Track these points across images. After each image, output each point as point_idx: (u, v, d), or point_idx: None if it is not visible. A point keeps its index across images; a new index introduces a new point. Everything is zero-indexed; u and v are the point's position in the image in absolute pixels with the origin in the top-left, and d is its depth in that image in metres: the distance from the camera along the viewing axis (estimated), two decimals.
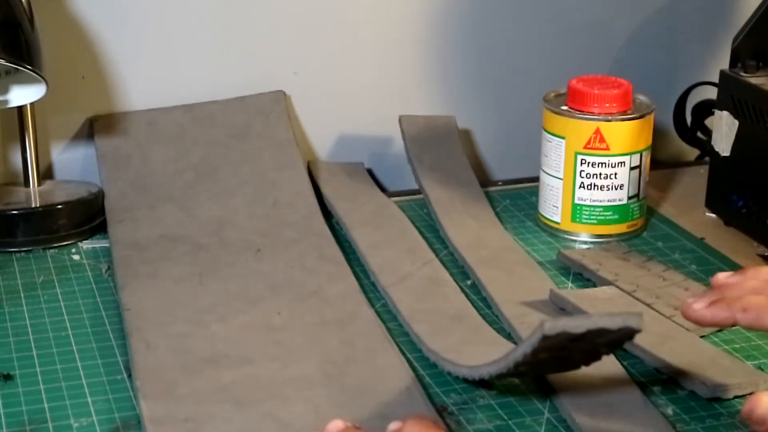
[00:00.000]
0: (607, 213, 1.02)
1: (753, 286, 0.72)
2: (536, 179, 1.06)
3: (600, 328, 0.66)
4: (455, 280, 0.93)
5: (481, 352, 0.79)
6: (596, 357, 0.73)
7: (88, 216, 1.03)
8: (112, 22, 1.08)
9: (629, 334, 0.67)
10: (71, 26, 1.07)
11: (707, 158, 1.13)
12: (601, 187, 1.01)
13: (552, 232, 1.04)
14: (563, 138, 1.01)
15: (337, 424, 0.65)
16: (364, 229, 1.01)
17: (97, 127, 1.09)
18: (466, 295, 0.91)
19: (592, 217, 1.02)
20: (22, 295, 0.92)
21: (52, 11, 1.05)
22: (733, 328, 0.86)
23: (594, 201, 1.01)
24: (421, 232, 1.02)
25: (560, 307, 0.88)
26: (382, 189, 1.13)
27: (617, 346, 0.72)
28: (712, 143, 1.05)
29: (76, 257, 0.98)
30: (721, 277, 0.74)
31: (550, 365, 0.74)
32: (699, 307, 0.71)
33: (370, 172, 1.16)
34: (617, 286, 0.91)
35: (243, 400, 0.75)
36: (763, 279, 0.73)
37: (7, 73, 0.98)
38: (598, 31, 1.21)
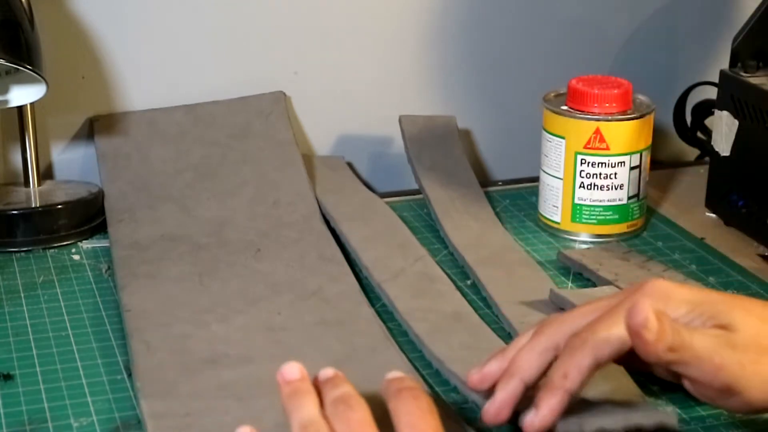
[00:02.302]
0: (607, 213, 1.02)
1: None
2: (536, 179, 1.06)
3: (636, 426, 0.67)
4: (452, 279, 0.93)
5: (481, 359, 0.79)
6: None
7: (88, 216, 1.03)
8: (112, 22, 1.08)
9: (664, 428, 0.68)
10: (71, 26, 1.07)
11: (707, 158, 1.13)
12: (601, 187, 1.01)
13: (552, 232, 1.04)
14: (563, 138, 1.01)
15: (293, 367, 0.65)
16: (352, 223, 1.01)
17: (97, 127, 1.09)
18: (464, 294, 0.91)
19: (592, 217, 1.02)
20: (22, 295, 0.92)
21: (52, 11, 1.05)
22: None
23: (594, 201, 1.01)
24: (420, 232, 1.02)
25: (560, 307, 0.88)
26: (382, 189, 1.13)
27: None
28: (712, 143, 1.05)
29: (76, 257, 0.98)
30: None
31: None
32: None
33: (367, 171, 1.16)
34: (617, 286, 0.91)
35: (244, 399, 0.75)
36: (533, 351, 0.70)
37: (7, 73, 0.98)
38: (598, 31, 1.21)
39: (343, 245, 0.98)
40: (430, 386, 0.78)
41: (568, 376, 0.67)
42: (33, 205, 1.02)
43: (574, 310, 0.72)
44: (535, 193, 1.07)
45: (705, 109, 1.20)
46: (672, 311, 0.67)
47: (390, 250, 0.97)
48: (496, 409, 0.69)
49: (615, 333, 0.67)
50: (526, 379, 0.69)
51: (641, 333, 0.64)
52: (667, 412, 0.67)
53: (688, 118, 1.22)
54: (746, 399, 0.66)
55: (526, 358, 0.70)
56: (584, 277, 0.95)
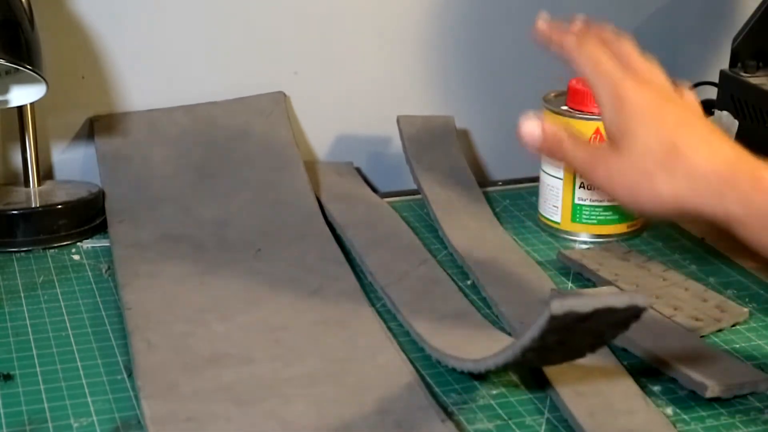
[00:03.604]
0: (607, 213, 1.02)
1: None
2: (536, 179, 1.06)
3: (607, 307, 0.65)
4: (453, 279, 0.93)
5: (484, 348, 0.79)
6: (602, 342, 0.73)
7: (88, 216, 1.03)
8: (112, 22, 1.08)
9: (636, 313, 0.67)
10: (71, 26, 1.07)
11: None
12: None
13: (552, 232, 1.04)
14: None
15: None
16: (358, 229, 1.01)
17: (97, 127, 1.09)
18: (466, 295, 0.91)
19: (592, 217, 1.02)
20: (22, 295, 0.92)
21: (52, 11, 1.05)
22: (733, 327, 0.86)
23: (594, 201, 1.02)
24: (420, 232, 1.02)
25: None
26: (375, 189, 1.13)
27: (624, 327, 0.71)
28: None
29: (76, 257, 0.98)
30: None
31: (557, 352, 0.74)
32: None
33: (361, 171, 1.16)
34: (617, 286, 0.91)
35: (244, 399, 0.75)
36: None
37: (7, 73, 0.98)
38: None
39: (348, 251, 0.98)
40: (430, 386, 0.78)
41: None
42: (33, 205, 1.02)
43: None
44: (535, 193, 1.07)
45: (705, 109, 1.19)
46: (602, 98, 0.77)
47: (394, 254, 0.97)
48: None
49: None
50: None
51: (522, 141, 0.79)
52: (639, 294, 0.66)
53: None
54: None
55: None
56: (584, 278, 0.95)
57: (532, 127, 0.78)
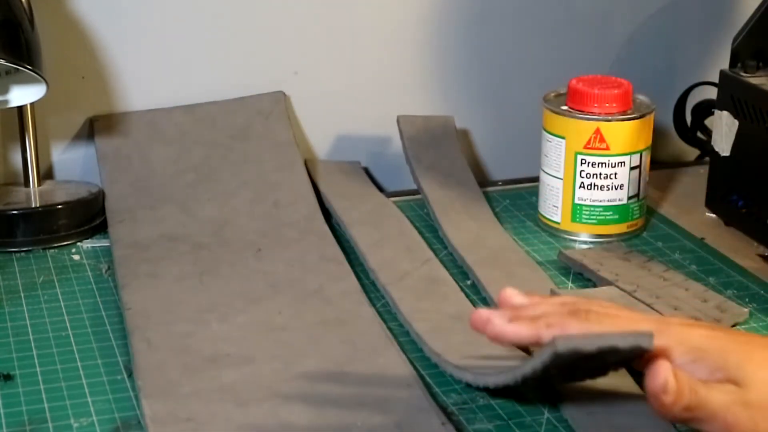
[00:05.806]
0: (607, 213, 1.02)
1: (545, 309, 0.71)
2: (536, 179, 1.06)
3: (611, 347, 0.65)
4: (455, 280, 0.93)
5: (483, 354, 0.79)
6: (603, 372, 0.73)
7: (88, 216, 1.03)
8: (112, 22, 1.08)
9: (639, 352, 0.67)
10: (71, 26, 1.07)
11: (707, 158, 1.13)
12: (601, 187, 1.01)
13: (552, 232, 1.04)
14: (563, 138, 1.01)
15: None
16: (362, 227, 1.01)
17: (97, 127, 1.09)
18: (466, 295, 0.91)
19: (592, 217, 1.02)
20: (22, 295, 0.92)
21: (52, 11, 1.05)
22: (733, 327, 0.86)
23: (594, 201, 1.01)
24: (420, 232, 1.02)
25: None
26: (381, 189, 1.13)
27: (626, 363, 0.71)
28: (712, 143, 1.05)
29: (76, 257, 0.98)
30: (510, 293, 0.74)
31: (556, 378, 0.74)
32: (500, 322, 0.70)
33: (368, 171, 1.16)
34: (618, 287, 0.91)
35: (244, 399, 0.75)
36: (553, 302, 0.72)
37: (7, 73, 0.98)
38: (598, 31, 1.21)
39: (352, 248, 0.98)
40: (430, 387, 0.78)
41: (551, 327, 0.69)
42: (33, 205, 1.02)
43: (605, 303, 0.73)
44: (535, 193, 1.07)
45: (705, 109, 1.20)
46: (678, 357, 0.67)
47: (397, 253, 0.97)
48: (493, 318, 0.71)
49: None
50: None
51: (660, 397, 0.64)
52: (644, 335, 0.66)
53: (688, 118, 1.22)
54: None
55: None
56: (584, 278, 0.95)
57: (666, 377, 0.64)
